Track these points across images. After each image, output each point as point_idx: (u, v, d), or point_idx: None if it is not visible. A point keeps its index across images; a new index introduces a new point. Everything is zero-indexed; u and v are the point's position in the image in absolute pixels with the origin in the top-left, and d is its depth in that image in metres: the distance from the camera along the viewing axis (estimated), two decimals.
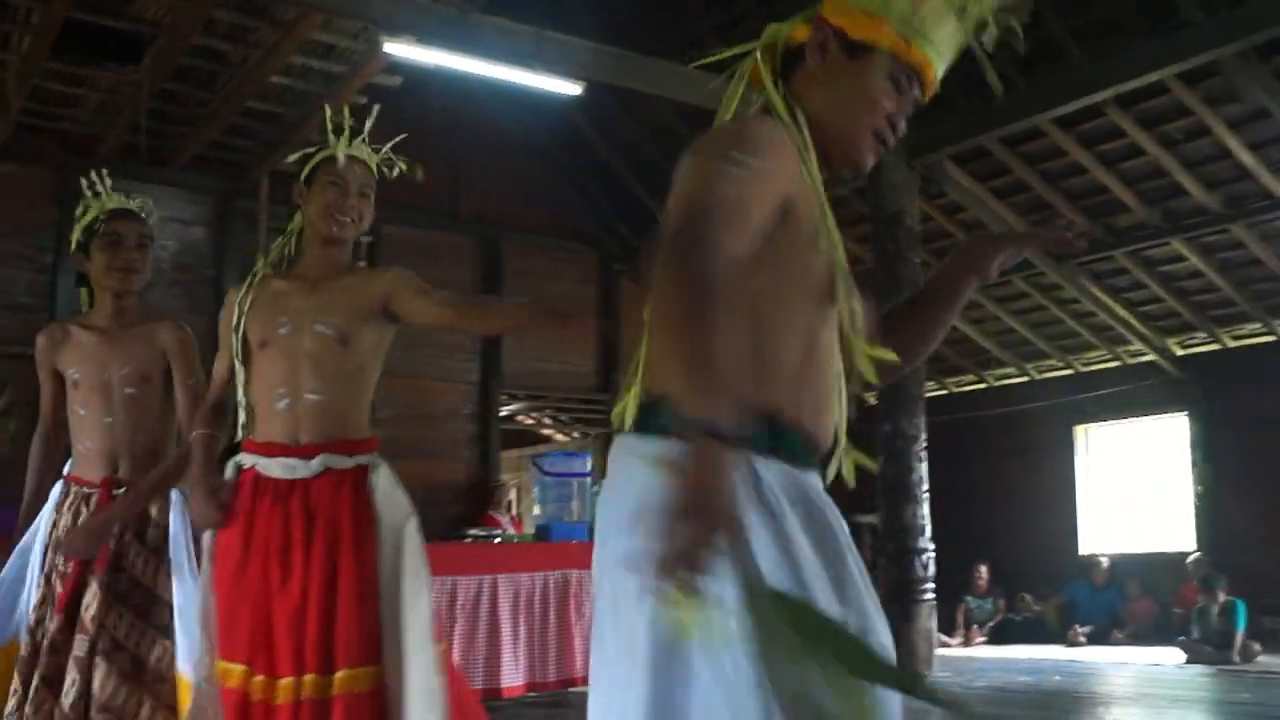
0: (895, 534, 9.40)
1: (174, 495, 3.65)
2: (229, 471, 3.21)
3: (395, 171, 3.44)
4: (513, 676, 6.99)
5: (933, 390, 13.28)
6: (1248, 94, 9.29)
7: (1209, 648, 10.33)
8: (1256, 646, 10.38)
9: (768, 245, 1.76)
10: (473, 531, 8.63)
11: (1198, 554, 12.06)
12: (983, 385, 14.24)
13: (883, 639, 1.80)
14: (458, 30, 8.03)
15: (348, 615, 2.99)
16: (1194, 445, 12.72)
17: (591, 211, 13.37)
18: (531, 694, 7.23)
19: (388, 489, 3.17)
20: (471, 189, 12.24)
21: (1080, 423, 13.59)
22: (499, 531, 9.35)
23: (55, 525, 3.64)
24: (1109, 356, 13.15)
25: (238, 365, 3.25)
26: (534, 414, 14.21)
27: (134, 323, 3.82)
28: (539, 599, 7.18)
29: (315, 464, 3.12)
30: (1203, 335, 12.52)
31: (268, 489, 3.12)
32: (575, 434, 14.08)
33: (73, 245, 3.89)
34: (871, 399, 13.45)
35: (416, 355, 10.92)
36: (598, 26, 9.39)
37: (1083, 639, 11.98)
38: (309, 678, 2.93)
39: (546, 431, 14.87)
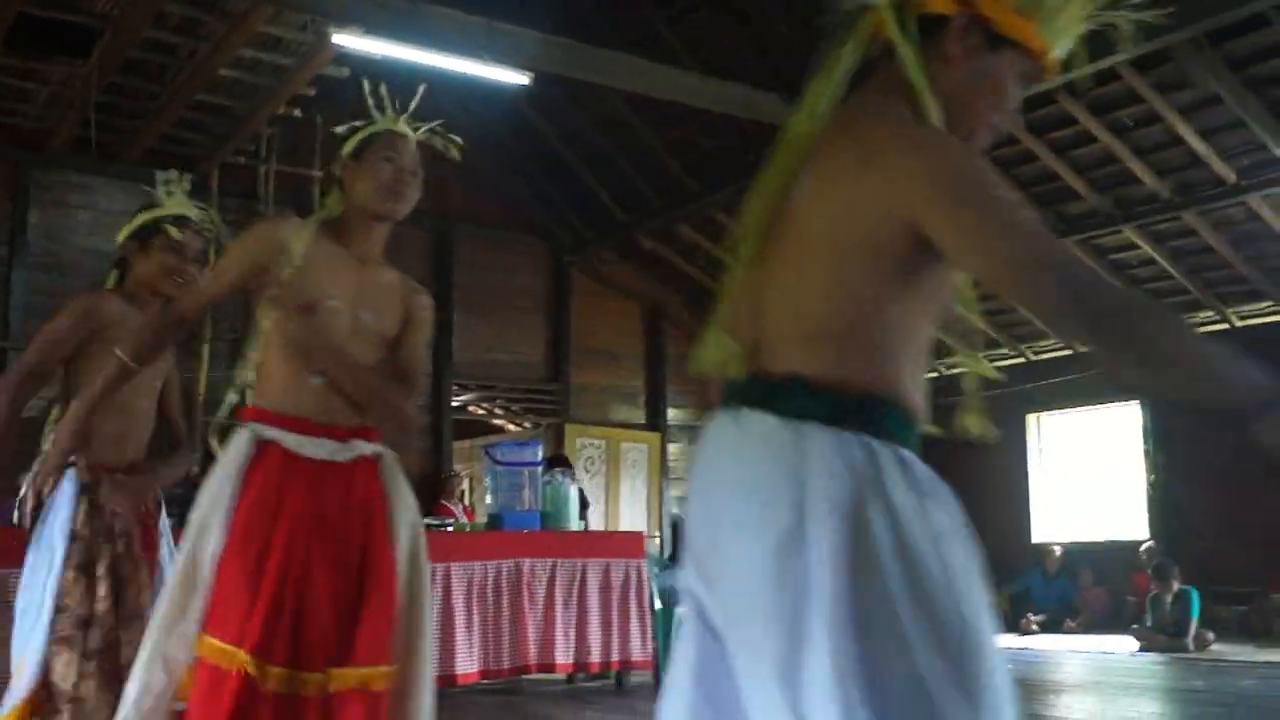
0: None
1: None
2: (243, 441, 2.95)
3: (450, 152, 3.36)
4: (467, 664, 7.01)
5: None
6: (1199, 80, 9.34)
7: (1162, 636, 10.43)
8: (1210, 635, 10.48)
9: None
10: (426, 520, 8.62)
11: (1150, 543, 12.19)
12: (933, 374, 14.21)
13: None
14: (407, 21, 7.99)
15: (379, 609, 2.89)
16: (1146, 434, 12.85)
17: (542, 203, 13.35)
18: (485, 681, 7.26)
19: (400, 479, 3.10)
20: (422, 181, 12.16)
21: (1032, 411, 13.70)
22: (452, 521, 9.36)
23: (76, 518, 3.51)
24: (1061, 344, 13.21)
25: (264, 316, 3.00)
26: (485, 404, 14.23)
27: None
28: (492, 587, 7.21)
29: (352, 449, 3.00)
30: None
31: (303, 472, 2.92)
32: (526, 423, 14.09)
33: (130, 229, 3.76)
34: None
35: None
36: (548, 17, 9.35)
37: (1035, 627, 12.08)
38: (336, 672, 2.80)
39: (498, 421, 14.88)
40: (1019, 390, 13.31)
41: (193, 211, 3.78)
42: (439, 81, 10.88)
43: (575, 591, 7.76)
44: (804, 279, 1.79)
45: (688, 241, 13.26)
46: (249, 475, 2.90)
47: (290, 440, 2.93)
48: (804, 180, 1.83)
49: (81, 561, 3.43)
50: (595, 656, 7.78)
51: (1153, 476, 12.69)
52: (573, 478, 8.60)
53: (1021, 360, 13.56)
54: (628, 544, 8.45)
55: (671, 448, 14.05)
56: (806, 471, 1.68)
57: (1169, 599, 10.67)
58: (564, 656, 7.69)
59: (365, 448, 3.03)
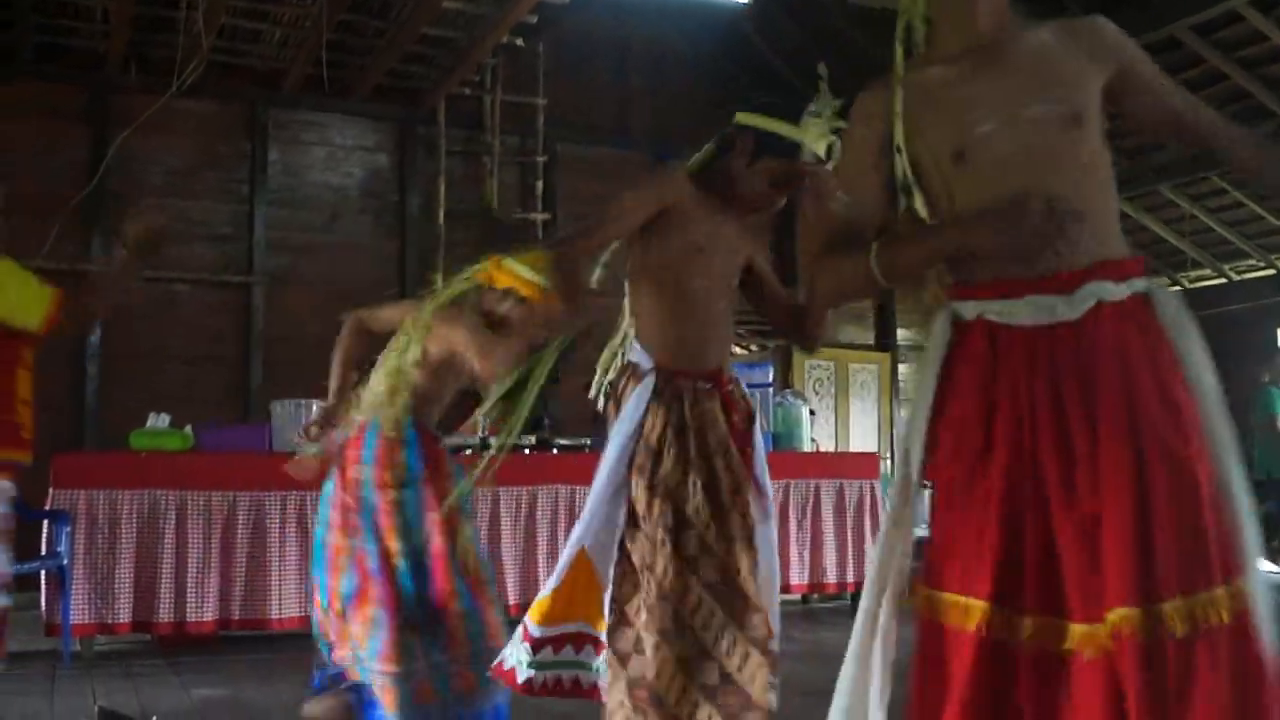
0: None
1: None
2: (939, 327, 2.25)
3: None
4: (799, 576, 7.88)
5: None
6: None
7: None
8: None
9: None
10: None
11: None
12: (1176, 289, 13.74)
13: None
14: None
15: (1191, 513, 1.98)
16: None
17: None
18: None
19: (1180, 321, 2.15)
20: (640, 104, 12.24)
21: None
22: None
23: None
24: None
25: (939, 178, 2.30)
26: None
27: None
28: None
29: (1082, 297, 2.12)
30: None
31: (1016, 343, 2.13)
32: (753, 346, 14.08)
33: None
34: None
35: None
36: None
37: None
38: (1124, 612, 1.93)
39: None
40: (1271, 303, 12.72)
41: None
42: (655, 8, 10.91)
43: (809, 512, 7.80)
44: None
45: None
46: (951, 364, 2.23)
47: (996, 308, 2.18)
48: None
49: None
50: (830, 577, 7.87)
51: None
52: (803, 399, 8.60)
53: (1272, 272, 12.89)
54: (861, 464, 8.42)
55: (901, 368, 13.86)
56: None
57: None
58: (798, 577, 7.77)
59: (1116, 290, 2.15)
